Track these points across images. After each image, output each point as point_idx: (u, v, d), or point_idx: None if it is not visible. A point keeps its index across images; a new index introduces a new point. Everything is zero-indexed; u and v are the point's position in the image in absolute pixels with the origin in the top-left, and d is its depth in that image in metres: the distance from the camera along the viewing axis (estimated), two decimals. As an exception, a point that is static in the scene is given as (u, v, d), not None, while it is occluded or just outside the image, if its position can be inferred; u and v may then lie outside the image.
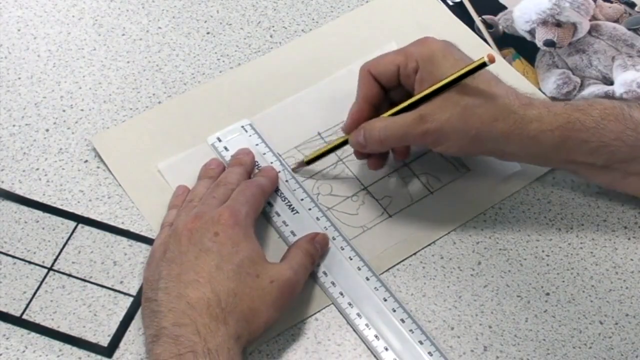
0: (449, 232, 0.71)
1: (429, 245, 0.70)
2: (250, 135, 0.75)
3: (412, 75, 0.69)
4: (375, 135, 0.68)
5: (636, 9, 0.85)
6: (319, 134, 0.76)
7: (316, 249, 0.68)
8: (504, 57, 0.82)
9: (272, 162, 0.73)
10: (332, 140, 0.74)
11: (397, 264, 0.69)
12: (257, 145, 0.74)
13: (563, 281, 0.69)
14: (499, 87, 0.67)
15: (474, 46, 0.80)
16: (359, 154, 0.73)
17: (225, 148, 0.74)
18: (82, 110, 0.78)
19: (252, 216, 0.66)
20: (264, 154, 0.74)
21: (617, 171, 0.68)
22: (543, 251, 0.70)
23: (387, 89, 0.71)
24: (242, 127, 0.76)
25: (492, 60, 0.64)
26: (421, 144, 0.71)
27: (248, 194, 0.67)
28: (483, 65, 0.65)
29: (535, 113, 0.66)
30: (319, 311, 0.67)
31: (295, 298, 0.65)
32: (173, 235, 0.64)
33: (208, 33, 0.83)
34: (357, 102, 0.71)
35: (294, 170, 0.74)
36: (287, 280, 0.63)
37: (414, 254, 0.70)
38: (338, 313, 0.67)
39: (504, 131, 0.66)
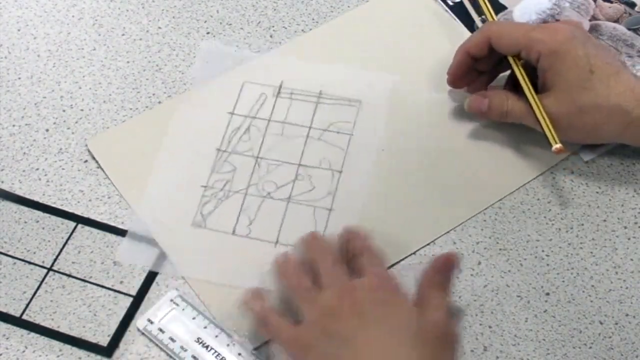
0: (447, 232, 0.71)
1: (430, 245, 0.70)
2: (183, 309, 0.66)
3: (533, 60, 0.71)
4: (500, 108, 0.73)
5: (636, 8, 0.85)
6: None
7: (449, 277, 0.63)
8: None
9: (216, 336, 0.64)
10: None
11: (395, 263, 0.69)
12: (193, 319, 0.65)
13: (563, 281, 0.69)
14: (617, 85, 0.69)
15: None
16: (456, 78, 0.76)
17: (161, 330, 0.65)
18: (82, 110, 0.78)
19: (394, 276, 0.63)
20: (205, 327, 0.65)
21: None
22: (543, 251, 0.70)
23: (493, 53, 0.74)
24: (171, 300, 0.66)
25: (560, 150, 0.70)
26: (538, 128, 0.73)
27: (377, 259, 0.63)
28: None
29: None
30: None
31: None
32: (330, 316, 0.59)
33: (208, 33, 0.83)
34: (463, 52, 0.75)
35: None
36: (448, 332, 0.59)
37: (413, 253, 0.70)
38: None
39: (618, 131, 0.71)
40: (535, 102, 0.71)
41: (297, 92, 0.78)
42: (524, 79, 0.73)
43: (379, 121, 0.77)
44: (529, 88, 0.72)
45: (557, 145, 0.70)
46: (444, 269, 0.63)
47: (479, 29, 0.75)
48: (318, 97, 0.78)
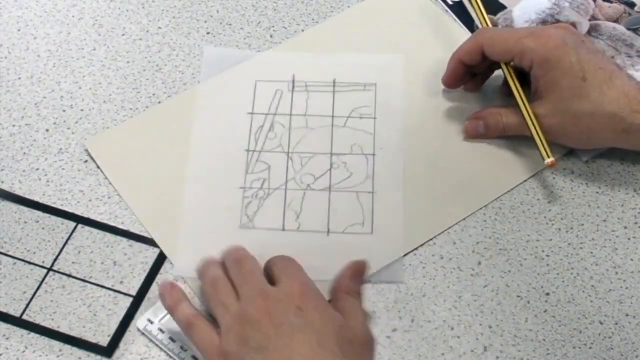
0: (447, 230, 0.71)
1: (429, 245, 0.70)
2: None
3: (526, 67, 0.72)
4: (497, 125, 0.74)
5: (636, 8, 0.85)
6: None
7: (362, 283, 0.65)
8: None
9: None
10: None
11: (396, 262, 0.69)
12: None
13: (563, 281, 0.69)
14: (611, 91, 0.69)
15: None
16: (451, 83, 0.77)
17: (161, 330, 0.65)
18: (82, 110, 0.78)
19: (312, 281, 0.62)
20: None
21: None
22: (543, 251, 0.70)
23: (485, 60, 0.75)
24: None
25: (552, 164, 0.71)
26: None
27: (292, 265, 0.63)
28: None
29: None
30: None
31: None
32: (244, 322, 0.59)
33: (208, 33, 0.83)
34: (456, 59, 0.75)
35: None
36: (371, 338, 0.60)
37: (413, 251, 0.70)
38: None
39: (613, 138, 0.71)
40: (529, 116, 0.72)
41: (311, 84, 0.78)
42: (517, 91, 0.73)
43: (396, 100, 0.78)
44: (522, 101, 0.73)
45: (549, 160, 0.71)
46: (356, 277, 0.65)
47: (472, 36, 0.75)
48: (333, 86, 0.78)
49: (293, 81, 0.79)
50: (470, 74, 0.77)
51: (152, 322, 0.65)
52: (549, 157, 0.71)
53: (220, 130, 0.76)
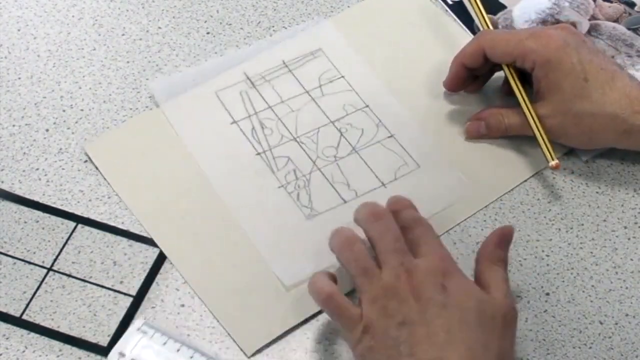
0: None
1: (429, 245, 0.70)
2: (152, 336, 0.64)
3: (528, 69, 0.72)
4: (499, 126, 0.74)
5: (636, 8, 0.85)
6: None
7: (507, 250, 0.64)
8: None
9: (191, 357, 0.63)
10: None
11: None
12: (164, 344, 0.63)
13: (563, 281, 0.69)
14: (612, 92, 0.69)
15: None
16: (453, 86, 0.77)
17: None
18: (82, 110, 0.78)
19: (450, 254, 0.63)
20: (178, 350, 0.63)
21: None
22: (543, 251, 0.70)
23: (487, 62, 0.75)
24: (139, 329, 0.64)
25: (556, 167, 0.71)
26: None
27: (430, 233, 0.63)
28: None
29: None
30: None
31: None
32: (389, 296, 0.59)
33: (208, 33, 0.83)
34: (458, 63, 0.75)
35: None
36: (513, 309, 0.60)
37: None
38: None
39: (614, 138, 0.71)
40: (533, 118, 0.72)
41: (266, 73, 0.79)
42: (520, 92, 0.73)
43: (350, 54, 0.81)
44: (525, 102, 0.73)
45: (553, 162, 0.71)
46: (502, 244, 0.64)
47: (473, 40, 0.75)
48: (287, 67, 0.79)
49: (248, 78, 0.79)
50: (472, 76, 0.77)
51: (124, 355, 0.63)
52: (553, 159, 0.71)
53: (216, 147, 0.74)
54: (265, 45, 0.81)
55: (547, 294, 0.68)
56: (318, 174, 0.73)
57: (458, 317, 0.58)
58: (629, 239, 0.71)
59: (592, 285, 0.69)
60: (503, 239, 0.64)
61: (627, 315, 0.67)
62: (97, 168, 0.74)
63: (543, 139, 0.71)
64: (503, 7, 0.86)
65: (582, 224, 0.72)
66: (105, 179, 0.73)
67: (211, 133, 0.75)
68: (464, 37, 0.77)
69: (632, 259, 0.70)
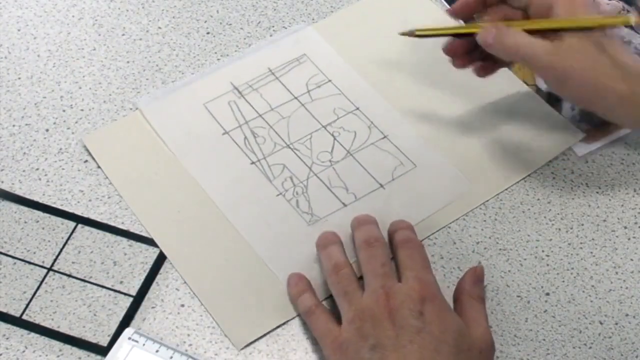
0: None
1: (430, 244, 0.70)
2: (143, 344, 0.64)
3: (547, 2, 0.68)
4: (506, 42, 0.68)
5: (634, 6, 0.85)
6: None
7: (483, 287, 0.65)
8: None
9: None
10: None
11: (397, 264, 0.69)
12: (157, 352, 0.63)
13: (563, 281, 0.69)
14: (629, 56, 0.68)
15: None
16: (460, 63, 0.73)
17: None
18: (82, 110, 0.78)
19: (435, 280, 0.62)
20: (171, 357, 0.63)
21: None
22: (543, 251, 0.70)
23: None
24: (130, 338, 0.64)
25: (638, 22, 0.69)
26: (542, 75, 0.72)
27: (417, 257, 0.64)
28: (626, 23, 0.68)
29: None
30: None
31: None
32: (365, 318, 0.59)
33: (208, 33, 0.84)
34: None
35: (402, 34, 0.73)
36: (491, 345, 0.61)
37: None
38: (338, 313, 0.67)
39: (622, 94, 0.66)
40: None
41: (253, 82, 0.79)
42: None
43: (335, 59, 0.81)
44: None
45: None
46: (477, 281, 0.65)
47: None
48: (273, 74, 0.79)
49: (236, 88, 0.78)
50: (480, 55, 0.73)
51: None
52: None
53: (210, 159, 0.74)
54: (249, 52, 0.81)
55: (547, 294, 0.68)
56: (315, 180, 0.73)
57: (433, 345, 0.57)
58: (629, 239, 0.71)
59: (592, 285, 0.69)
60: (477, 278, 0.65)
61: (627, 315, 0.67)
62: (98, 165, 0.74)
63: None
64: None
65: (582, 224, 0.72)
66: (106, 177, 0.73)
67: (204, 145, 0.75)
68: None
69: (632, 259, 0.70)
